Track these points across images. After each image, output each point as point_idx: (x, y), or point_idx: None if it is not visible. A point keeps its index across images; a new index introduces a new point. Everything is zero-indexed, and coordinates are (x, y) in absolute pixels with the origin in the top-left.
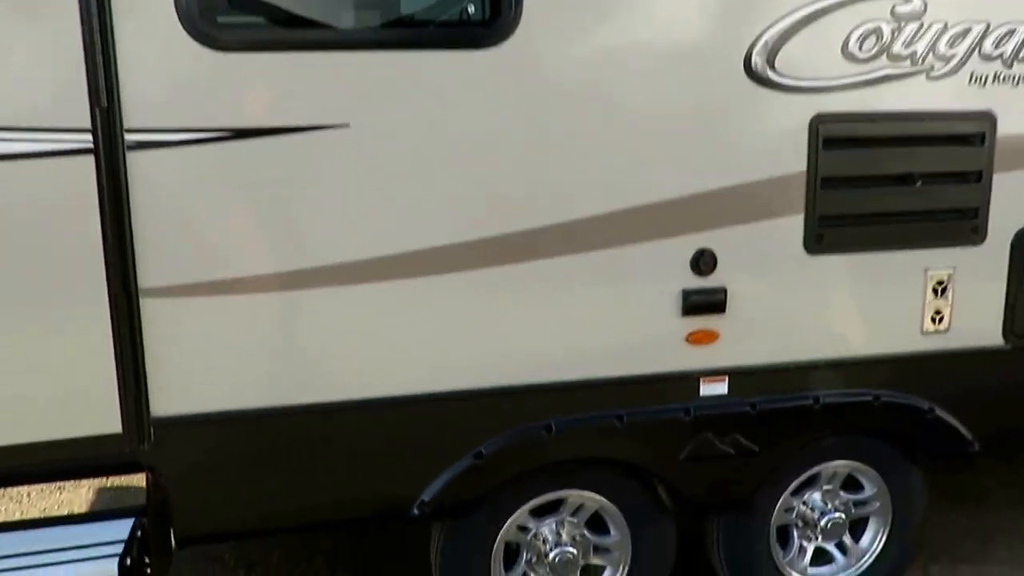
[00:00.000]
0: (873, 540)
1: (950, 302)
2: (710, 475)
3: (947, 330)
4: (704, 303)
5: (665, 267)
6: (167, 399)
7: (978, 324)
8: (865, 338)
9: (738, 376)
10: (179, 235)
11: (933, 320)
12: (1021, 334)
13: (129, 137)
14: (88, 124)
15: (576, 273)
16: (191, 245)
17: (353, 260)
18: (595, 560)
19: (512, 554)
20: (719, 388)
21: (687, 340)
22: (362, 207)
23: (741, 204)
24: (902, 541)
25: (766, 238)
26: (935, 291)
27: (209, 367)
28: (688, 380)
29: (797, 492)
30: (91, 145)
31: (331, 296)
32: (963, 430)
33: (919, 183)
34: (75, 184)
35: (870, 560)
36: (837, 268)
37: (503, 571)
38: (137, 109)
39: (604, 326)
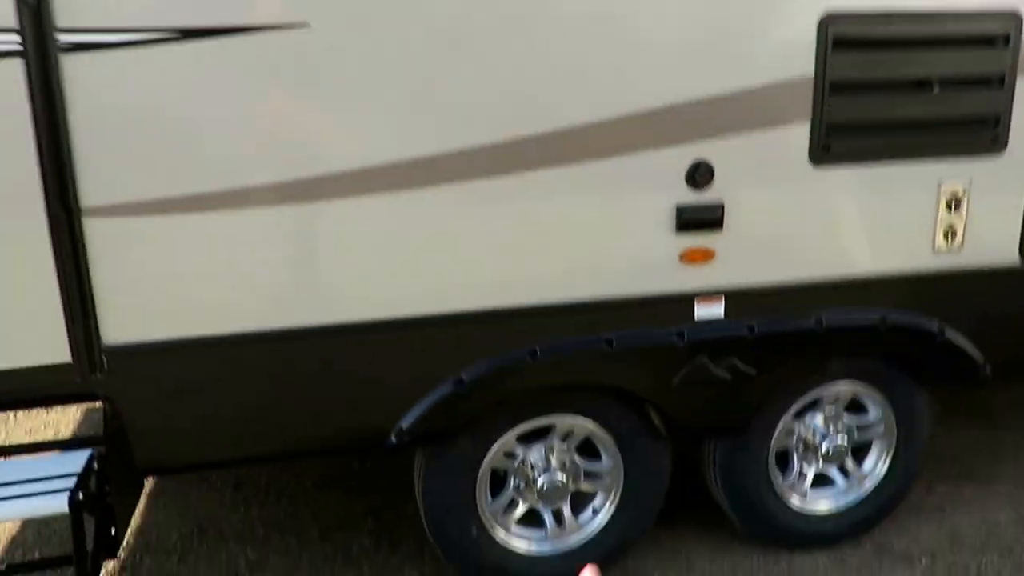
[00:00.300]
0: (876, 463)
1: (964, 218)
2: (705, 401)
3: (960, 248)
4: (700, 219)
5: (658, 180)
6: (119, 327)
7: (993, 241)
8: (872, 256)
9: (735, 297)
10: (122, 149)
11: (945, 237)
12: None
13: (62, 38)
14: (14, 23)
15: (562, 187)
16: (137, 160)
17: (315, 175)
18: (586, 486)
19: (500, 480)
20: (715, 310)
21: (681, 259)
22: (325, 116)
23: (741, 112)
24: (906, 465)
25: (768, 149)
26: (949, 206)
27: (163, 292)
28: (682, 302)
29: (798, 415)
30: (19, 47)
31: (293, 214)
32: (974, 354)
33: (936, 88)
34: (2, 92)
35: (873, 484)
36: (844, 181)
37: (489, 497)
38: (70, 7)
39: (592, 244)
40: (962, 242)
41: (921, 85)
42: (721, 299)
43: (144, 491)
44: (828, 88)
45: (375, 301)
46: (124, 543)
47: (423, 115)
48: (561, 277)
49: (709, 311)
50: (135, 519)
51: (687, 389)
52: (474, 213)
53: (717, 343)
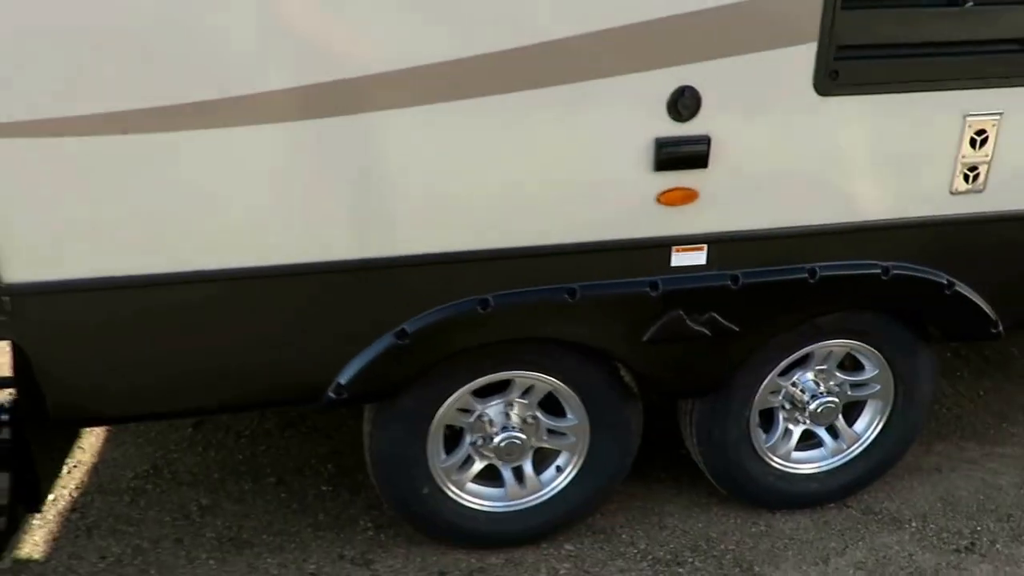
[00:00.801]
0: (869, 425)
1: (990, 156)
2: (680, 359)
3: (982, 190)
4: (682, 155)
5: (634, 109)
6: (22, 265)
7: (1020, 184)
8: (879, 200)
9: (720, 244)
10: (22, 55)
11: (966, 178)
12: None
13: None
14: None
15: (522, 116)
16: (26, 68)
17: (236, 94)
18: (550, 443)
19: (459, 435)
20: (695, 258)
21: (659, 200)
22: (236, 27)
23: (735, 29)
24: (903, 428)
25: (765, 74)
26: (973, 142)
27: (72, 228)
28: (657, 248)
29: (786, 372)
30: None
31: (212, 140)
32: (987, 309)
33: (969, 3)
34: None
35: (864, 446)
36: (853, 112)
37: (443, 454)
38: None
39: (557, 182)
40: (984, 184)
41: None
42: (703, 246)
43: (104, 429)
44: (839, 2)
45: (305, 243)
46: (80, 483)
47: (353, 29)
48: (518, 219)
49: (688, 259)
50: (91, 457)
51: (660, 346)
52: (417, 144)
53: (695, 295)
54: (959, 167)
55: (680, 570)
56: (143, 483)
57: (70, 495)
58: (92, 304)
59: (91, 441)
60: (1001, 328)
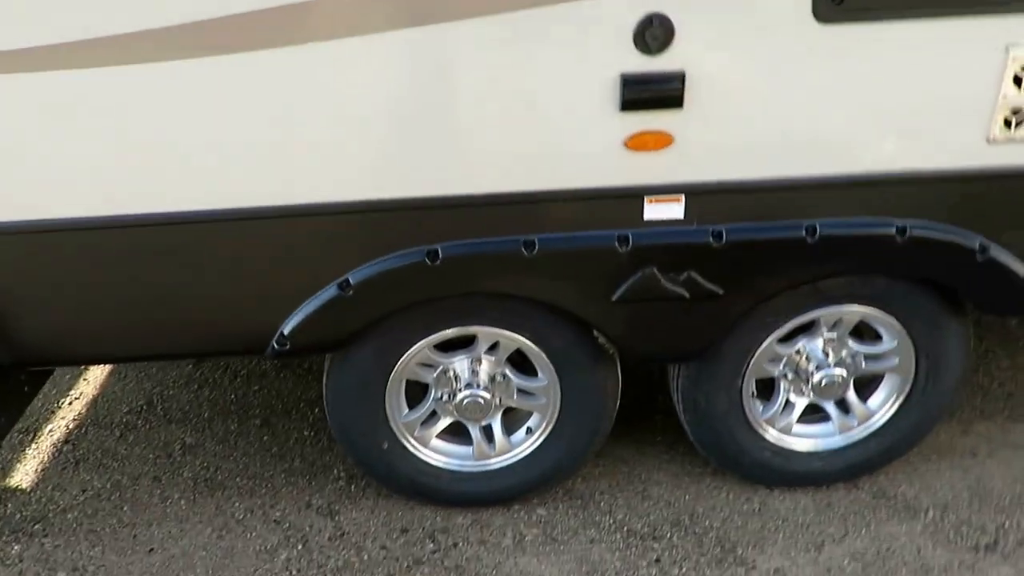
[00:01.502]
0: (885, 402)
1: None
2: (656, 322)
3: None
4: (652, 94)
5: (597, 41)
6: None
7: None
8: (896, 147)
9: (701, 196)
10: None
11: (1007, 124)
12: None
13: None
14: None
15: (471, 47)
16: None
17: (183, 21)
18: (519, 403)
19: (425, 389)
20: (671, 211)
21: (627, 145)
22: None
23: None
24: (926, 406)
25: None
26: (1018, 81)
27: (12, 168)
28: (627, 199)
29: (787, 339)
30: None
31: (155, 75)
32: None
33: None
34: None
35: (879, 424)
36: (862, 44)
37: (405, 409)
38: None
39: (510, 124)
40: None
41: None
42: (680, 198)
43: None
44: None
45: (252, 188)
46: (77, 415)
47: None
48: (471, 165)
49: (663, 211)
50: (93, 389)
51: (630, 308)
52: (355, 77)
53: (672, 251)
54: (999, 110)
55: (655, 545)
56: (135, 418)
57: (67, 427)
58: (29, 247)
59: (96, 374)
60: None
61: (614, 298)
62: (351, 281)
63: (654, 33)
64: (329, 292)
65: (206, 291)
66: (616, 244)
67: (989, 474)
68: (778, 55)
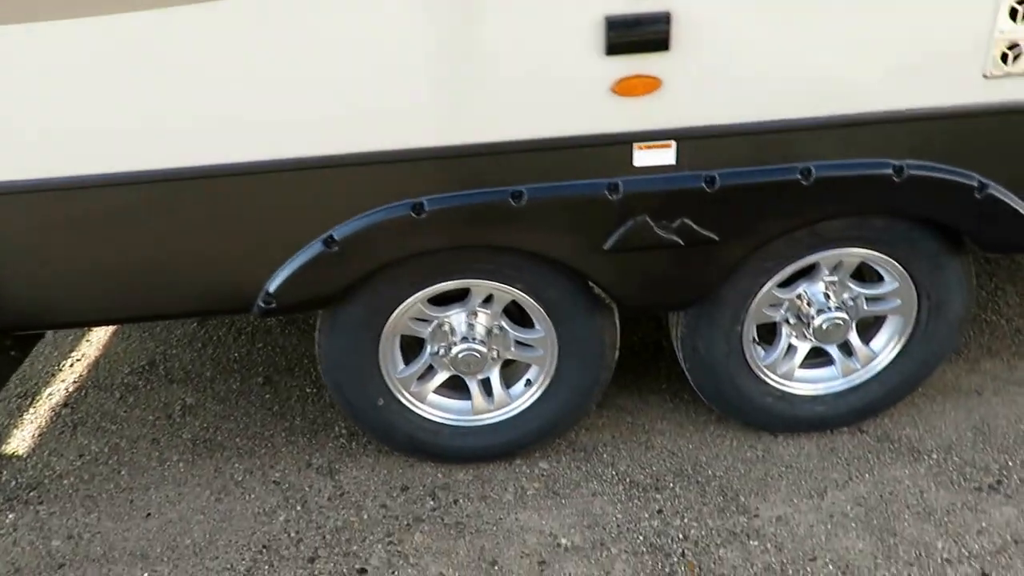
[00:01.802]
0: (887, 344)
1: None
2: (651, 270)
3: (1023, 72)
4: (638, 36)
5: None
6: None
7: None
8: (891, 85)
9: (692, 141)
10: None
11: (1004, 58)
12: None
13: None
14: None
15: None
16: None
17: None
18: (516, 355)
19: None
20: (662, 156)
21: (614, 90)
22: None
23: None
24: (929, 346)
25: None
26: (1013, 13)
27: None
28: (616, 146)
29: (788, 284)
30: None
31: (117, 29)
32: None
33: None
34: None
35: (882, 366)
36: None
37: (400, 364)
38: None
39: (491, 71)
40: None
41: None
42: (671, 144)
43: None
44: None
45: (226, 143)
46: (78, 377)
47: None
48: (453, 114)
49: (654, 158)
50: (95, 351)
51: (626, 255)
52: (328, 23)
53: (664, 198)
54: (995, 44)
55: (657, 496)
56: (136, 379)
57: (66, 389)
58: (5, 210)
59: (99, 335)
60: None
61: (606, 247)
62: (336, 237)
63: None
64: (314, 248)
65: (186, 250)
66: (606, 192)
67: (994, 413)
68: None
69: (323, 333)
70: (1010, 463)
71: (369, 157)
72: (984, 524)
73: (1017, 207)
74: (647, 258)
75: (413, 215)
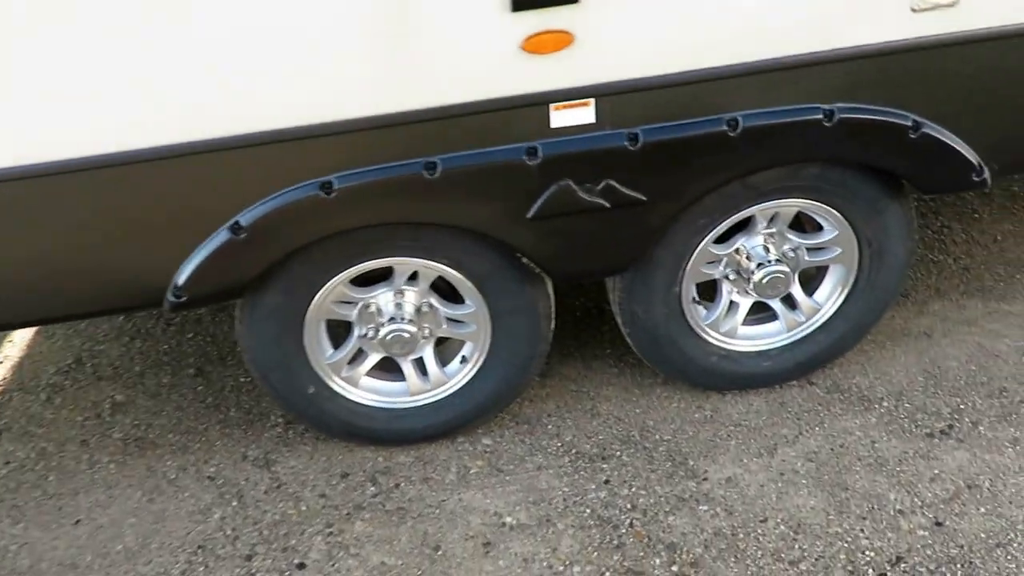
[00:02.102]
0: (832, 293)
1: None
2: (577, 237)
3: (952, 3)
4: None
5: None
6: None
7: None
8: (816, 25)
9: (611, 97)
10: None
11: None
12: None
13: None
14: None
15: None
16: None
17: None
18: (449, 333)
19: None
20: (581, 115)
21: (524, 48)
22: None
23: None
24: (872, 296)
25: None
26: None
27: None
28: (531, 108)
29: (724, 239)
30: None
31: None
32: (967, 153)
33: None
34: None
35: (826, 317)
36: None
37: (329, 349)
38: None
39: (396, 37)
40: None
41: None
42: (590, 102)
43: None
44: None
45: (117, 128)
46: (2, 381)
47: None
48: (356, 87)
49: (572, 117)
50: (19, 351)
51: (551, 222)
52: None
53: (586, 160)
54: None
55: (604, 466)
56: (63, 379)
57: None
58: None
59: (21, 335)
60: (987, 175)
61: (530, 215)
62: (242, 223)
63: None
64: (221, 236)
65: (89, 244)
66: (524, 157)
67: (944, 355)
68: None
69: (243, 323)
70: (961, 406)
71: (273, 136)
72: (937, 471)
73: (954, 144)
74: (574, 224)
75: (323, 195)
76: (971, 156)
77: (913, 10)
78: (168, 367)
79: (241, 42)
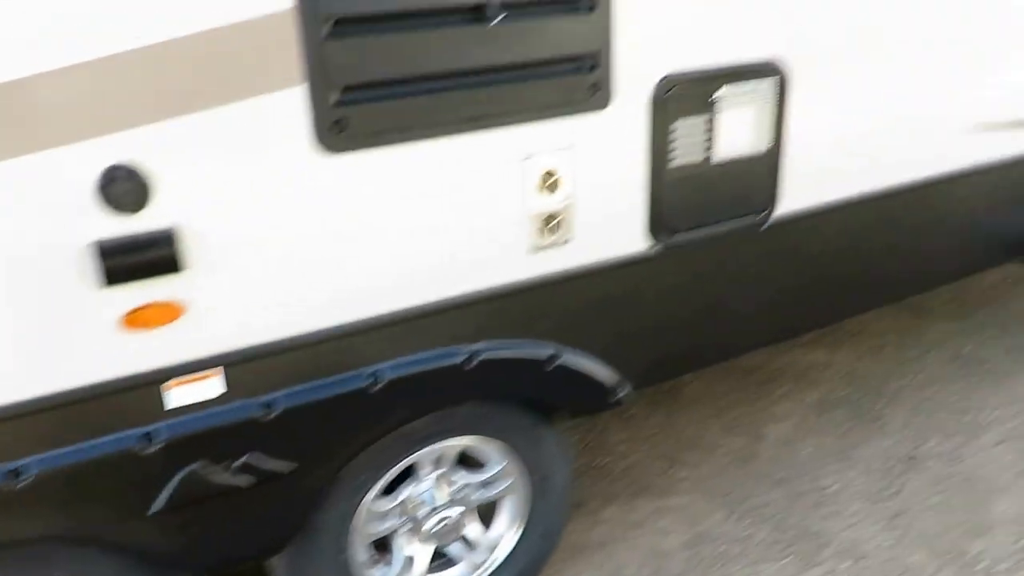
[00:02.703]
0: (509, 526)
1: (568, 199)
2: (219, 524)
3: (568, 240)
4: (140, 261)
5: (54, 203)
6: None
7: (613, 225)
8: (446, 273)
9: (242, 365)
10: None
11: (546, 229)
12: (673, 227)
13: None
14: None
15: None
16: None
17: None
18: None
19: None
20: (204, 389)
21: (125, 325)
22: None
23: (186, 75)
24: (548, 520)
25: (241, 134)
26: (543, 186)
27: None
28: (137, 390)
29: (389, 492)
30: None
31: None
32: (603, 374)
33: (500, 17)
34: None
35: (506, 553)
36: (378, 171)
37: None
38: None
39: None
40: (571, 232)
41: (478, 13)
42: (213, 371)
43: None
44: (329, 27)
45: None
46: None
47: None
48: None
49: (193, 393)
50: None
51: (181, 514)
52: None
53: (215, 436)
54: (534, 218)
55: None
56: None
57: None
58: None
59: None
60: (622, 394)
61: (153, 511)
62: None
63: (122, 188)
64: None
65: None
66: (138, 445)
67: (622, 562)
68: (288, 194)
69: None
70: None
71: None
72: None
73: (590, 371)
74: (214, 508)
75: None
76: (607, 379)
77: (531, 250)
78: None
79: None
